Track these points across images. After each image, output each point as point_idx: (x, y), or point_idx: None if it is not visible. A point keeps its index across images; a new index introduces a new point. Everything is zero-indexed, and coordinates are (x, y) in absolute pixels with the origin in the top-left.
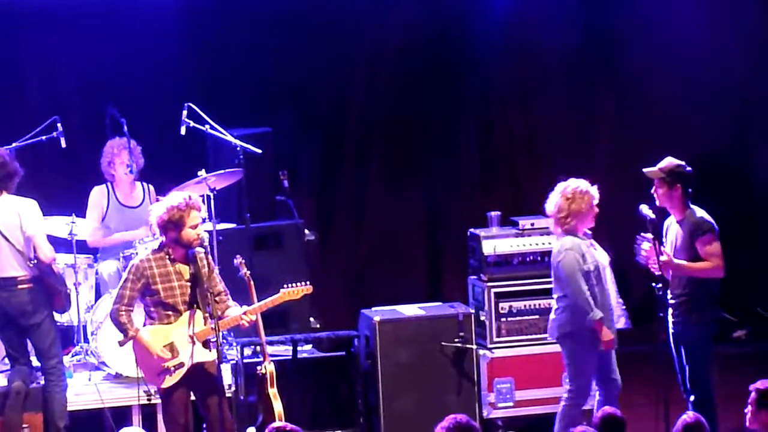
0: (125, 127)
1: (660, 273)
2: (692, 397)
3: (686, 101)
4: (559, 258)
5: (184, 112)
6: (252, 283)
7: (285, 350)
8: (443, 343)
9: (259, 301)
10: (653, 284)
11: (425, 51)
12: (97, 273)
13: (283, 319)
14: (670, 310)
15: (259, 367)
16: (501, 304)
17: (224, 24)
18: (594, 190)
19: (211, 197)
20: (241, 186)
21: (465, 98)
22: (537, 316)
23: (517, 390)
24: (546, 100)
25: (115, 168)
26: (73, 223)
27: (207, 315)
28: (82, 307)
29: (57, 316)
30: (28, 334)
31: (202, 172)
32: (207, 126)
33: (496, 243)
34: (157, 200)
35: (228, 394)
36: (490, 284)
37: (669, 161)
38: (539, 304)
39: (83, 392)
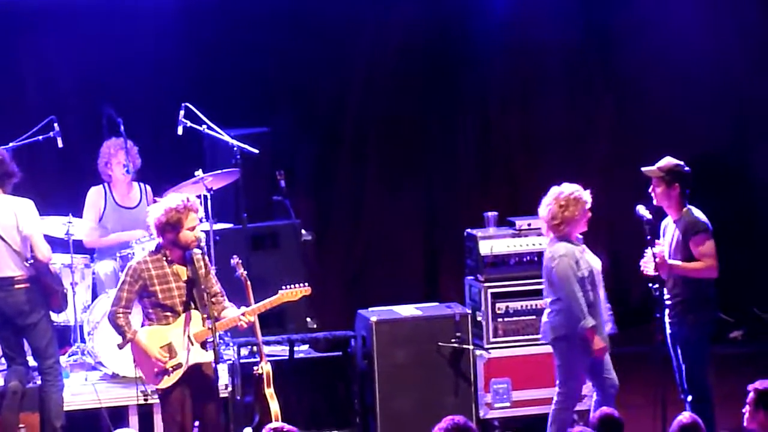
0: (122, 127)
1: (656, 274)
2: (689, 398)
3: (685, 101)
4: (553, 264)
5: (181, 112)
6: (249, 283)
7: (282, 350)
8: (440, 344)
9: (256, 301)
10: (650, 285)
11: (423, 51)
12: (93, 273)
13: (280, 319)
14: (667, 311)
15: (255, 368)
16: (498, 305)
17: (222, 24)
18: (587, 195)
19: (208, 197)
20: (238, 186)
21: (463, 98)
22: (534, 317)
23: (513, 390)
24: (544, 100)
25: (112, 168)
26: (69, 223)
27: (205, 316)
28: (78, 307)
29: (54, 316)
30: (24, 334)
31: (199, 172)
32: (204, 126)
33: (493, 243)
34: (155, 201)
35: (225, 395)
36: (486, 285)
37: (668, 160)
38: (536, 305)
39: (80, 392)
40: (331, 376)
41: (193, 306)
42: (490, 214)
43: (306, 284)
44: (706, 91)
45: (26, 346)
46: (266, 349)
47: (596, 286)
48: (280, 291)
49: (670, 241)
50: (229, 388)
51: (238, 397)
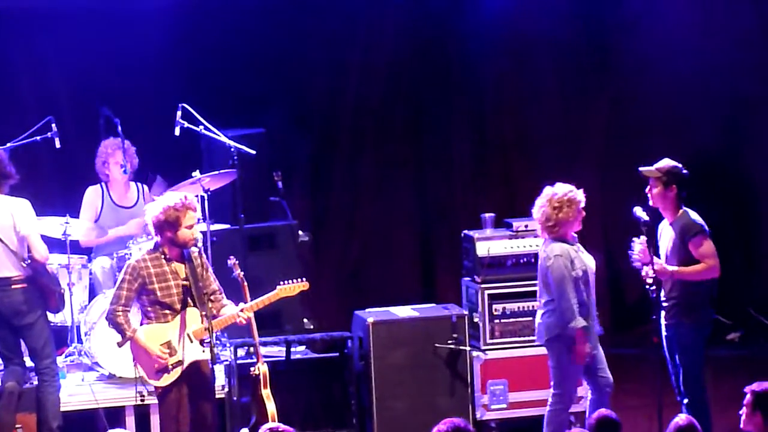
0: (119, 128)
1: (653, 276)
2: (686, 400)
3: (679, 102)
4: (548, 264)
5: (179, 113)
6: (246, 283)
7: (278, 351)
8: (437, 345)
9: (252, 301)
10: (647, 286)
11: (418, 52)
12: (90, 273)
13: (276, 320)
14: (663, 312)
15: (252, 368)
16: (495, 306)
17: (218, 25)
18: (580, 195)
19: (205, 198)
20: (235, 187)
21: (458, 99)
22: (531, 318)
23: (510, 392)
24: (540, 100)
25: (110, 168)
26: (66, 223)
27: (204, 313)
28: (75, 308)
29: (51, 317)
30: (21, 334)
31: (196, 173)
32: (201, 127)
33: (490, 245)
34: (152, 200)
35: (221, 395)
36: (483, 286)
37: (666, 162)
38: (533, 306)
39: (77, 392)
40: (327, 377)
41: (191, 304)
42: (487, 215)
43: (304, 279)
44: (701, 92)
45: (23, 347)
46: (263, 350)
47: (590, 286)
48: (278, 286)
49: (667, 245)
50: (226, 389)
51: (235, 398)
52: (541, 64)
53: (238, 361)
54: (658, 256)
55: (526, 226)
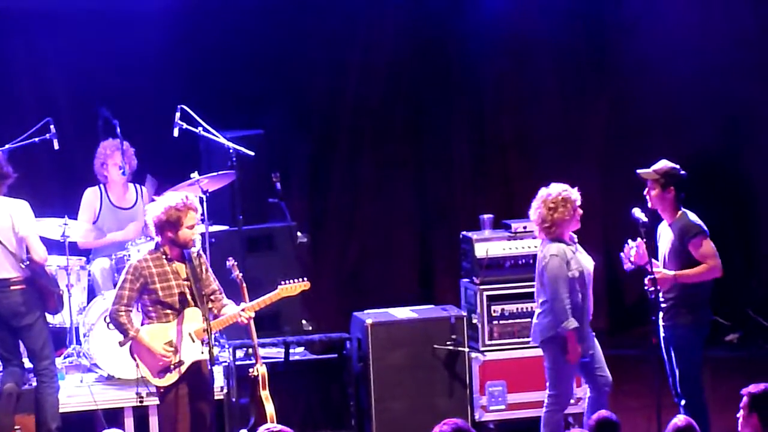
0: (118, 129)
1: (652, 277)
2: (683, 402)
3: (679, 102)
4: (543, 263)
5: (177, 114)
6: (244, 284)
7: (277, 352)
8: (435, 346)
9: (254, 301)
10: (646, 287)
11: (417, 52)
12: (89, 274)
13: (275, 321)
14: (661, 313)
15: (251, 370)
16: (493, 307)
17: (218, 25)
18: (575, 194)
19: (204, 199)
20: (234, 188)
21: (457, 100)
22: (529, 320)
23: (509, 393)
24: (539, 101)
25: (108, 169)
26: (65, 224)
27: (204, 313)
28: (74, 309)
29: (49, 318)
30: (20, 336)
31: (194, 175)
32: (200, 128)
33: (488, 246)
34: (152, 200)
35: (220, 397)
36: (482, 287)
37: (664, 164)
38: (531, 308)
39: (75, 394)
40: (326, 378)
41: (192, 303)
42: (485, 216)
43: (305, 279)
44: (700, 93)
45: (22, 348)
46: (261, 351)
47: (586, 288)
48: (279, 286)
49: (666, 248)
50: (225, 390)
51: (234, 399)
52: (540, 64)
53: (237, 363)
54: (657, 258)
55: (525, 228)
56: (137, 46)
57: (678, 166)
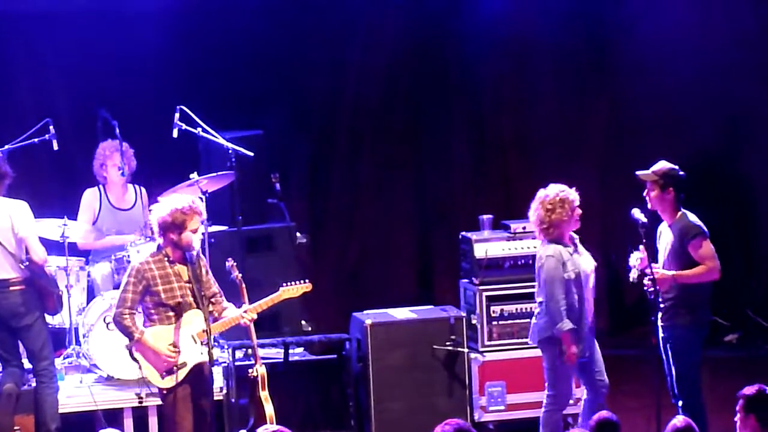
0: (117, 130)
1: (652, 278)
2: (680, 402)
3: (678, 102)
4: (539, 265)
5: (176, 115)
6: (243, 285)
7: (276, 353)
8: (435, 347)
9: (251, 303)
10: (645, 288)
11: (416, 52)
12: (89, 275)
13: (274, 321)
14: (660, 314)
15: (250, 370)
16: (492, 308)
17: (217, 25)
18: (573, 194)
19: (203, 200)
20: (233, 189)
21: (457, 100)
22: (528, 320)
23: (508, 393)
24: (538, 101)
25: (107, 170)
26: (64, 225)
27: (206, 315)
28: (74, 310)
29: (49, 319)
30: (19, 336)
31: (194, 175)
32: (199, 129)
33: (488, 246)
34: (150, 202)
35: (219, 397)
36: (481, 287)
37: (663, 164)
38: (531, 308)
39: (75, 394)
40: (325, 378)
41: (194, 305)
42: (485, 217)
43: (306, 281)
44: (699, 93)
45: (21, 349)
46: (261, 352)
47: (583, 289)
48: (281, 288)
49: (666, 248)
50: (224, 391)
51: (233, 400)
52: (540, 65)
53: (236, 363)
54: (656, 260)
55: (524, 228)
56: (136, 46)
57: (677, 167)
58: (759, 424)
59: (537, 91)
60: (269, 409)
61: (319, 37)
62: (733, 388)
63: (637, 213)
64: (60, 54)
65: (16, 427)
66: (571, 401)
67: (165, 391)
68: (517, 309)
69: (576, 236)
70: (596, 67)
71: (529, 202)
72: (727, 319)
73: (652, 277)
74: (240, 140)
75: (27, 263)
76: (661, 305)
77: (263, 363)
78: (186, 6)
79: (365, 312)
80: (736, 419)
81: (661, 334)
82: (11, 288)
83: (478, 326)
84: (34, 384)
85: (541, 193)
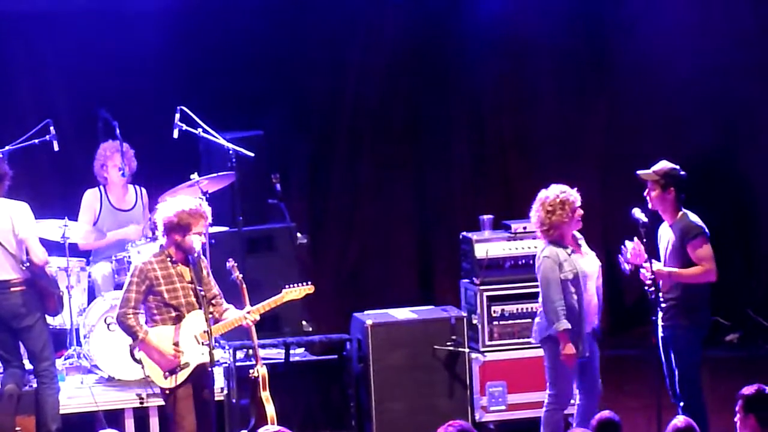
0: (117, 130)
1: (652, 277)
2: (681, 403)
3: (678, 102)
4: (537, 264)
5: (177, 116)
6: (244, 286)
7: (277, 353)
8: (435, 347)
9: (252, 303)
10: (646, 287)
11: (417, 52)
12: (89, 276)
13: (275, 322)
14: (660, 314)
15: (251, 371)
16: (493, 308)
17: (218, 25)
18: (574, 194)
19: (204, 200)
20: (234, 189)
21: (457, 100)
22: (529, 320)
23: (509, 393)
24: (538, 101)
25: (108, 171)
26: (65, 226)
27: (209, 316)
28: (74, 310)
29: (50, 319)
30: (20, 337)
31: (194, 176)
32: (199, 129)
33: (488, 246)
34: (156, 202)
35: (220, 398)
36: (482, 288)
37: (664, 164)
38: (531, 308)
39: (76, 395)
40: (326, 379)
41: (197, 306)
42: (485, 217)
43: (309, 282)
44: (699, 93)
45: (22, 350)
46: (262, 352)
47: (581, 290)
48: (283, 289)
49: (666, 247)
50: (225, 391)
51: (234, 400)
52: (540, 64)
53: (237, 364)
54: (658, 259)
55: (525, 228)
56: (136, 47)
57: (678, 167)
58: (759, 424)
59: (537, 91)
60: (270, 409)
61: (319, 37)
62: (733, 388)
63: (637, 213)
64: (60, 54)
65: (17, 428)
66: (572, 401)
67: (167, 391)
68: (517, 309)
69: (580, 236)
70: (596, 67)
71: (530, 202)
72: (728, 319)
73: (652, 276)
74: (240, 140)
75: (28, 264)
76: (663, 305)
77: (264, 363)
78: (186, 6)
79: (366, 312)
80: (736, 419)
81: (661, 334)
82: (12, 289)
83: (479, 326)
84: (35, 385)
85: (541, 194)
